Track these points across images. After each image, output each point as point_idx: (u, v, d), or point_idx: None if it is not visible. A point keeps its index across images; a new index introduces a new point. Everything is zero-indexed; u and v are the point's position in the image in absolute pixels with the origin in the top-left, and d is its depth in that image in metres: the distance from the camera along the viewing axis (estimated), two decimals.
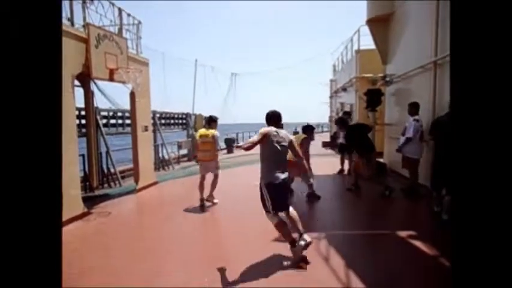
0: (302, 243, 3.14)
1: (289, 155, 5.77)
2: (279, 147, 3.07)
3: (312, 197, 5.80)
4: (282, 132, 3.19)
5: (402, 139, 5.78)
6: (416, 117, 5.67)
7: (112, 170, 7.99)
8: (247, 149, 3.00)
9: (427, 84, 6.11)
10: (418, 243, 3.72)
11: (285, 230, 3.19)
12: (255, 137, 3.03)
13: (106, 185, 7.80)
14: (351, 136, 6.24)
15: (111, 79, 6.05)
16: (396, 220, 4.86)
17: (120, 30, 6.88)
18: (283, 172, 3.11)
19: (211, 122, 5.70)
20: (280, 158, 3.10)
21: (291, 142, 3.20)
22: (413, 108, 5.78)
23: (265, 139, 3.01)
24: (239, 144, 3.07)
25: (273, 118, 3.25)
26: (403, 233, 4.03)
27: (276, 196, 3.08)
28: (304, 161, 3.65)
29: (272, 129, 3.10)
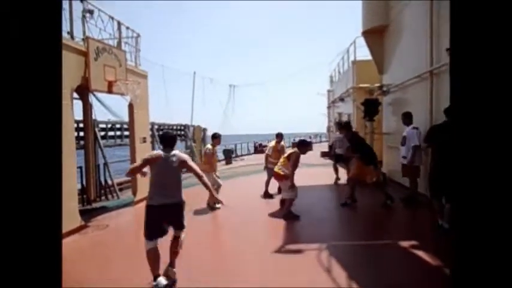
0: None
1: (277, 168, 5.52)
2: (165, 170, 3.00)
3: (290, 217, 5.18)
4: (175, 155, 3.06)
5: (403, 149, 5.79)
6: (415, 125, 5.72)
7: (110, 182, 7.93)
8: (129, 175, 3.22)
9: (424, 93, 6.16)
10: (420, 253, 3.68)
11: (152, 261, 3.02)
12: (138, 163, 3.08)
13: (104, 198, 7.73)
14: (357, 142, 6.06)
15: (109, 91, 6.07)
16: (397, 230, 4.81)
17: (119, 43, 6.95)
18: (167, 196, 3.00)
19: (212, 138, 6.52)
20: (165, 181, 3.01)
21: (184, 162, 3.07)
22: (407, 118, 5.86)
23: (149, 163, 3.01)
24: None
25: (165, 140, 3.16)
26: (404, 243, 3.99)
27: (149, 221, 3.04)
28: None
29: (159, 152, 3.06)
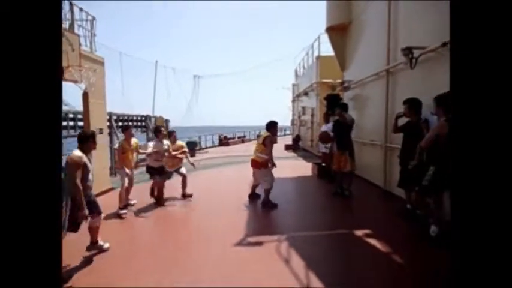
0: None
1: (255, 156, 5.62)
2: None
3: (268, 206, 5.58)
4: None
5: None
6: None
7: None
8: None
9: (381, 91, 6.50)
10: (373, 241, 3.91)
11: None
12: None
13: None
14: (348, 126, 6.00)
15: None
16: (355, 220, 5.05)
17: (72, 25, 6.42)
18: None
19: (123, 131, 5.92)
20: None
21: None
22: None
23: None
24: None
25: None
26: (360, 232, 4.21)
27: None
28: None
29: (83, 158, 3.67)
